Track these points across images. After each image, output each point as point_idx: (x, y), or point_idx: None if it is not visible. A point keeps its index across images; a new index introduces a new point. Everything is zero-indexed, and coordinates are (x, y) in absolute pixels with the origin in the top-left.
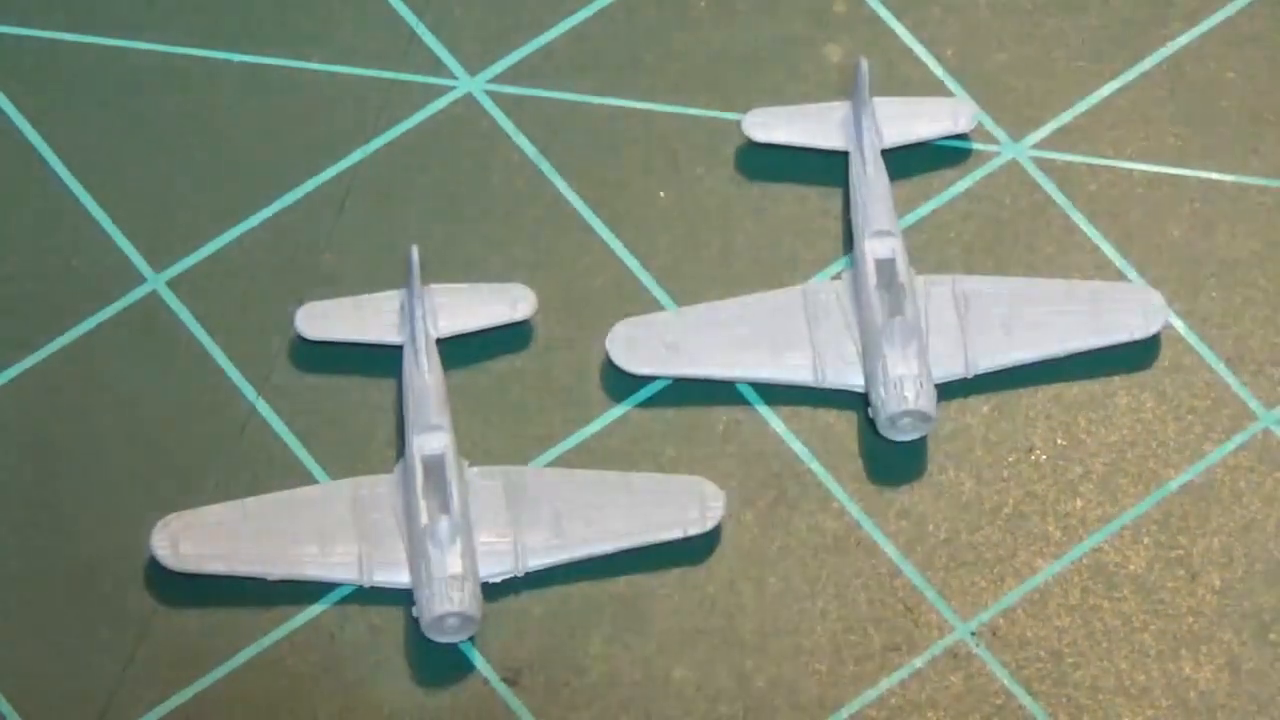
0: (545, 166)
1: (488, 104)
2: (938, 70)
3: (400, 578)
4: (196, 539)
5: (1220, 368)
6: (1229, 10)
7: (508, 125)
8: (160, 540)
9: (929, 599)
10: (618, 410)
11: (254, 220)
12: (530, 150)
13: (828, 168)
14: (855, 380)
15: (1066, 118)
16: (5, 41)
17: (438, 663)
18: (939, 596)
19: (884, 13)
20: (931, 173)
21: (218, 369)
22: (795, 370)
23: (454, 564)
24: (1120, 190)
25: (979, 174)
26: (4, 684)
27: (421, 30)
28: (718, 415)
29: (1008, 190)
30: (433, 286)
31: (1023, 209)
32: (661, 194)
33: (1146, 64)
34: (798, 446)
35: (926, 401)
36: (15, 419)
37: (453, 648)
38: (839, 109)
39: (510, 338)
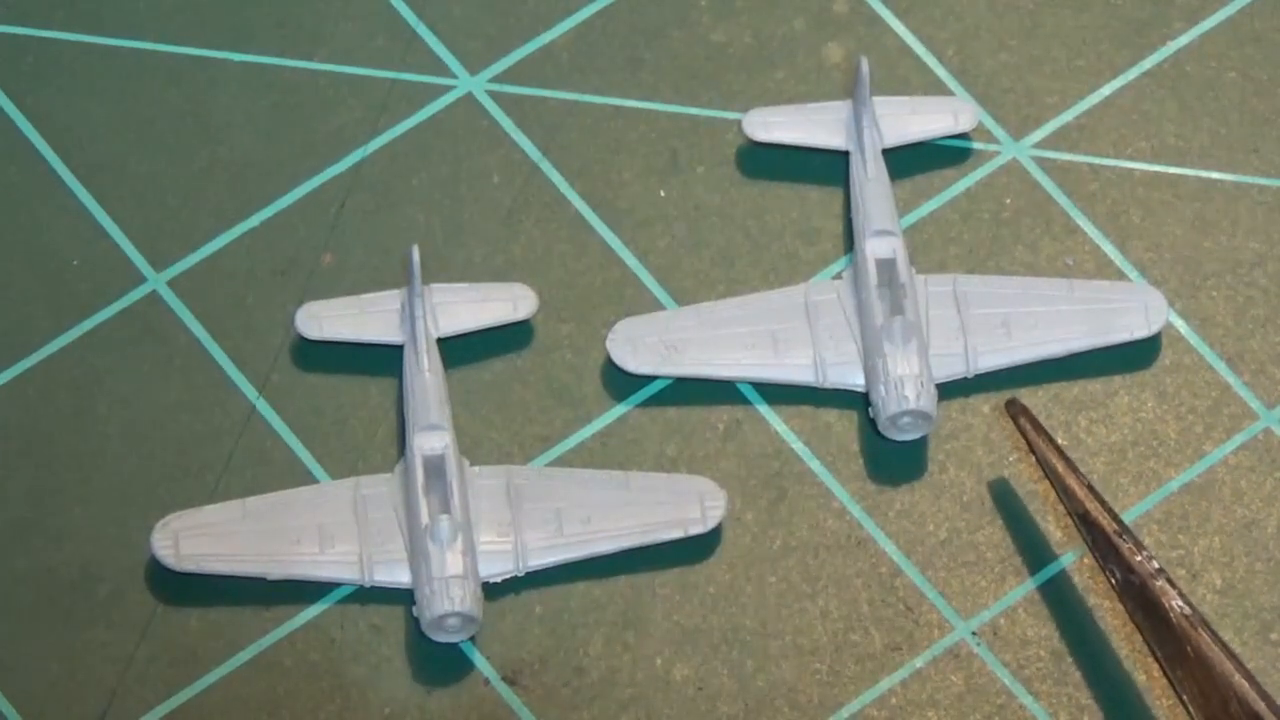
0: (545, 166)
1: (488, 104)
2: (938, 70)
3: (400, 577)
4: (196, 539)
5: (1221, 367)
6: (1229, 10)
7: (508, 125)
8: (160, 540)
9: (929, 599)
10: (618, 410)
11: (254, 220)
12: (530, 150)
13: (828, 167)
14: (855, 380)
15: (1067, 118)
16: (5, 41)
17: (438, 663)
18: (939, 596)
19: (884, 13)
20: (932, 172)
21: (218, 369)
22: (795, 370)
23: (454, 564)
24: (1120, 190)
25: (979, 174)
26: (4, 684)
27: (421, 30)
28: (718, 415)
29: (1008, 190)
30: (433, 286)
31: (1023, 209)
32: (661, 193)
33: (1147, 63)
34: (798, 446)
35: (927, 401)
36: (15, 419)
37: (453, 648)
38: (839, 109)
39: (510, 338)
